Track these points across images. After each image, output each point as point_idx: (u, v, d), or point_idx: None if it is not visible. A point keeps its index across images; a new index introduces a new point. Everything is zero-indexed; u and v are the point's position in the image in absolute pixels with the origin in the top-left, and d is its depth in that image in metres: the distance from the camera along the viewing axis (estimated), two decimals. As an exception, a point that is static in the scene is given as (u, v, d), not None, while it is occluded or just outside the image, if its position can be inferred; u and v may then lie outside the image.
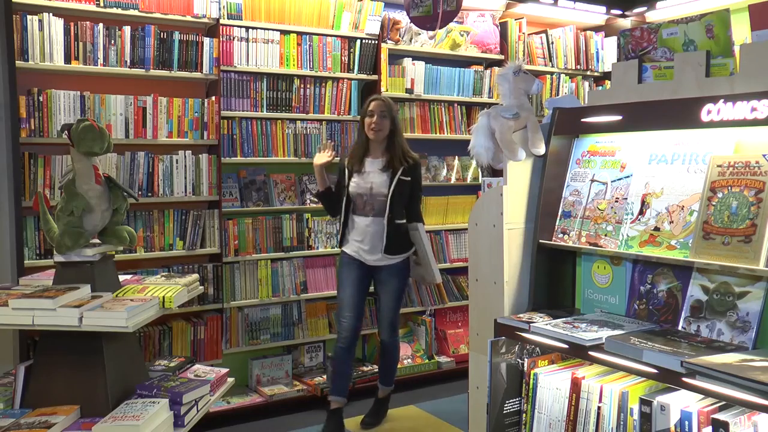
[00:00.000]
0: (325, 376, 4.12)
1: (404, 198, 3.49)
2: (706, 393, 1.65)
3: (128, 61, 3.62)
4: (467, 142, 2.49)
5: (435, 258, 3.67)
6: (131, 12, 3.61)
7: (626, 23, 5.20)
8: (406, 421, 3.89)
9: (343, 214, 3.53)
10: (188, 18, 3.77)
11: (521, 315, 2.22)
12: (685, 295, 1.98)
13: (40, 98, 3.40)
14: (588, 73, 5.23)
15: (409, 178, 3.49)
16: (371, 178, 3.48)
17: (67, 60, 3.47)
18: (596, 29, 5.31)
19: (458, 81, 4.68)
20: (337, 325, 3.70)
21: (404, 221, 3.51)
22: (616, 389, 1.89)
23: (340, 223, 3.58)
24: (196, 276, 2.94)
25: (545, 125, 2.37)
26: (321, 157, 3.58)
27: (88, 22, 3.51)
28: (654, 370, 1.74)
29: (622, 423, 1.87)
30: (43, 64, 3.40)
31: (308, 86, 4.15)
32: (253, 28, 3.95)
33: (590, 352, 1.91)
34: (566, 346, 1.97)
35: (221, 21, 3.83)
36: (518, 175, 2.35)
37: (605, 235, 2.14)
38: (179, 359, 2.90)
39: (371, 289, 3.72)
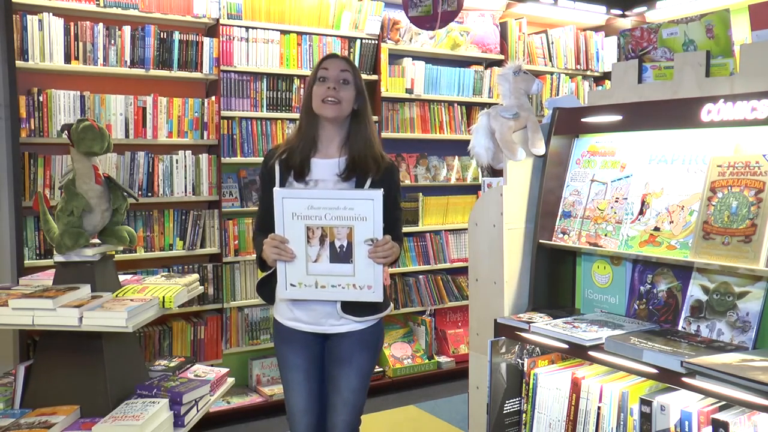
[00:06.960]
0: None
1: None
2: (706, 393, 1.64)
3: (128, 61, 3.62)
4: (467, 142, 2.49)
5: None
6: (131, 12, 3.61)
7: (626, 23, 5.20)
8: (406, 421, 3.89)
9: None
10: (188, 18, 3.78)
11: (521, 315, 2.22)
12: (685, 295, 1.98)
13: (40, 98, 3.40)
14: (588, 73, 5.23)
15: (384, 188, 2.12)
16: (324, 189, 2.17)
17: (67, 60, 3.47)
18: (596, 29, 5.31)
19: (458, 81, 4.68)
20: None
21: None
22: (616, 389, 1.89)
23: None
24: (196, 276, 2.94)
25: (545, 125, 2.36)
26: (284, 253, 2.09)
27: (88, 22, 3.51)
28: (654, 370, 1.74)
29: (622, 423, 1.86)
30: (43, 64, 3.40)
31: (308, 86, 4.15)
32: (253, 28, 3.95)
33: (590, 352, 1.90)
34: (566, 346, 1.97)
35: (221, 21, 3.83)
36: (518, 175, 2.34)
37: (605, 235, 2.13)
38: (179, 359, 2.90)
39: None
